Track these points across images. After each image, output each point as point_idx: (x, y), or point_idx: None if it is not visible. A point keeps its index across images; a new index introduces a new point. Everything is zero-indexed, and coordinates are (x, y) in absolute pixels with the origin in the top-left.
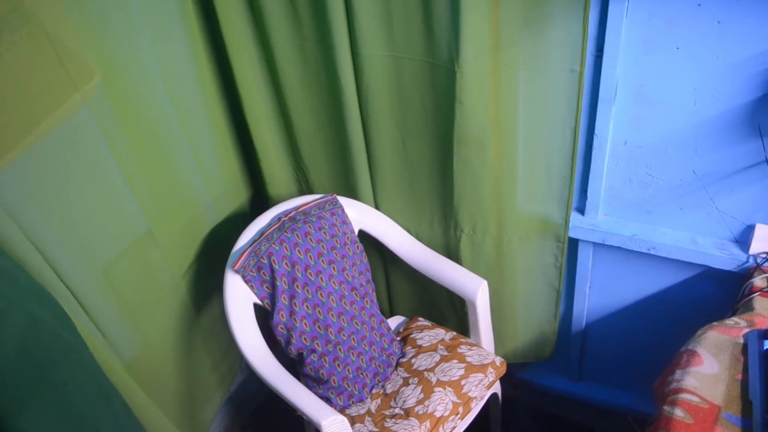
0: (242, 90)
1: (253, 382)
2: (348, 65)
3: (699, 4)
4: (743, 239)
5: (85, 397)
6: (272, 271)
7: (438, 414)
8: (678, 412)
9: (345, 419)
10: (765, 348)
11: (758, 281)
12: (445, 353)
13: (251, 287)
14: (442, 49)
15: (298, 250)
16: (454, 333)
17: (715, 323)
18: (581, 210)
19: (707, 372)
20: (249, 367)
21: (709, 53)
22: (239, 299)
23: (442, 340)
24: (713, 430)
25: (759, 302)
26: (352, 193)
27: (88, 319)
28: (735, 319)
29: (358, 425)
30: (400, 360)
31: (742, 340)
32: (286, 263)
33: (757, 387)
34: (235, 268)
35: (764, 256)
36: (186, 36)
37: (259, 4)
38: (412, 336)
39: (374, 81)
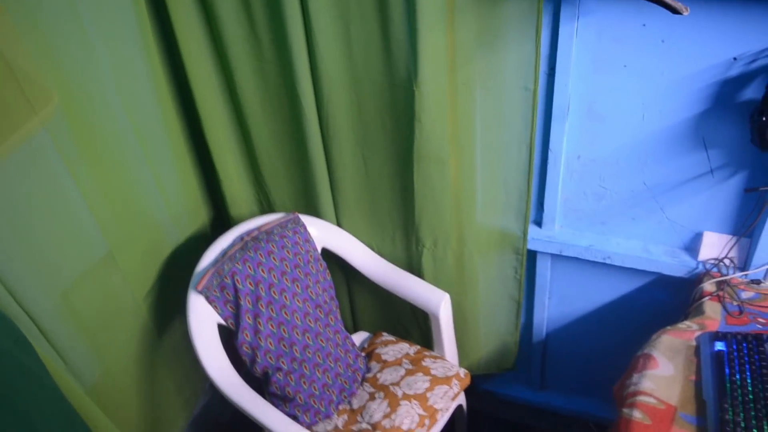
0: (202, 111)
1: (216, 403)
2: (308, 86)
3: (644, 24)
4: (693, 246)
5: (47, 426)
6: (236, 290)
7: (405, 427)
8: (636, 414)
9: None
10: (716, 349)
11: (708, 286)
12: (410, 367)
13: (215, 307)
14: (400, 69)
15: (262, 269)
16: (419, 347)
17: (668, 327)
18: (539, 222)
19: (663, 374)
20: (212, 389)
21: (654, 70)
22: (203, 320)
23: (407, 354)
24: (670, 430)
25: (709, 306)
26: (314, 212)
27: (48, 344)
28: (687, 322)
29: None
30: (366, 375)
31: (694, 343)
32: (249, 282)
33: (710, 386)
34: (199, 288)
35: (712, 262)
36: (145, 58)
37: (219, 27)
38: (376, 351)
39: (334, 101)
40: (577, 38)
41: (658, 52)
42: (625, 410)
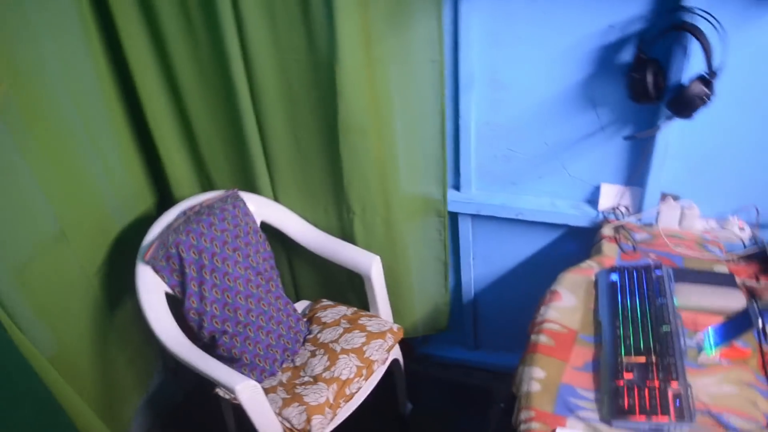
0: (143, 96)
1: (171, 383)
2: (239, 67)
3: (533, 0)
4: (593, 198)
5: (11, 381)
6: (181, 259)
7: (343, 377)
8: (543, 338)
9: (257, 384)
10: (611, 280)
11: (606, 230)
12: (348, 325)
13: (162, 276)
14: (321, 47)
15: (204, 239)
16: (355, 308)
17: (571, 267)
18: (457, 186)
19: (566, 305)
20: (165, 369)
21: (544, 41)
22: (151, 289)
23: (344, 315)
24: (572, 349)
25: (607, 247)
26: (253, 189)
27: (7, 316)
28: (588, 262)
29: (271, 395)
30: (307, 336)
31: (593, 278)
32: (193, 252)
33: (605, 310)
34: (146, 258)
35: (610, 210)
36: (87, 46)
37: (156, 16)
38: (317, 315)
39: (264, 80)
40: (475, 14)
41: (546, 25)
42: (533, 336)
